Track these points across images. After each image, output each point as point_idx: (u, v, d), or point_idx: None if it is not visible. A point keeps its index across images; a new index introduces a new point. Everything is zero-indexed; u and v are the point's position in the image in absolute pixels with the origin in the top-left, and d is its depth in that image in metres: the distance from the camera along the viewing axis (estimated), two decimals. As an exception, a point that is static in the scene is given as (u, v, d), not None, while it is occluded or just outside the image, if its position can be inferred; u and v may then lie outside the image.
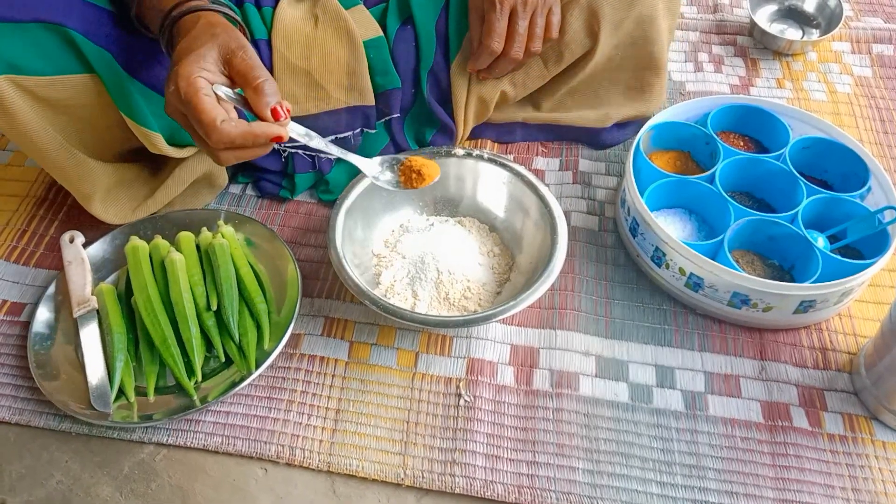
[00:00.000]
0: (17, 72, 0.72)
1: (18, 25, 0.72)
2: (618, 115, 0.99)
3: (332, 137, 0.93)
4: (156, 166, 0.93)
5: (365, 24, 0.90)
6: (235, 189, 0.99)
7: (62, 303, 0.85)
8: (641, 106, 0.99)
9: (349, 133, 0.93)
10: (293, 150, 0.93)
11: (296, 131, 0.69)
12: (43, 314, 0.84)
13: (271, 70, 0.88)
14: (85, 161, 0.82)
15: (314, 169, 0.95)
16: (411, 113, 0.98)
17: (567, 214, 0.94)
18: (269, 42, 0.87)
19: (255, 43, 0.87)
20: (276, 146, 0.92)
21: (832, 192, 0.86)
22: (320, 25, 0.87)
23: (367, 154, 0.97)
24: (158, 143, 0.83)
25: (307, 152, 0.94)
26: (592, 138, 1.01)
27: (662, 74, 0.97)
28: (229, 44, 0.66)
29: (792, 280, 0.83)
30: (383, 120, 0.96)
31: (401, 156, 0.79)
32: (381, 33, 0.90)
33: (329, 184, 0.96)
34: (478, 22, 0.89)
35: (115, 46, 0.77)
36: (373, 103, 0.92)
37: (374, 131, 0.95)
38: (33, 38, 0.72)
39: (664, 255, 0.82)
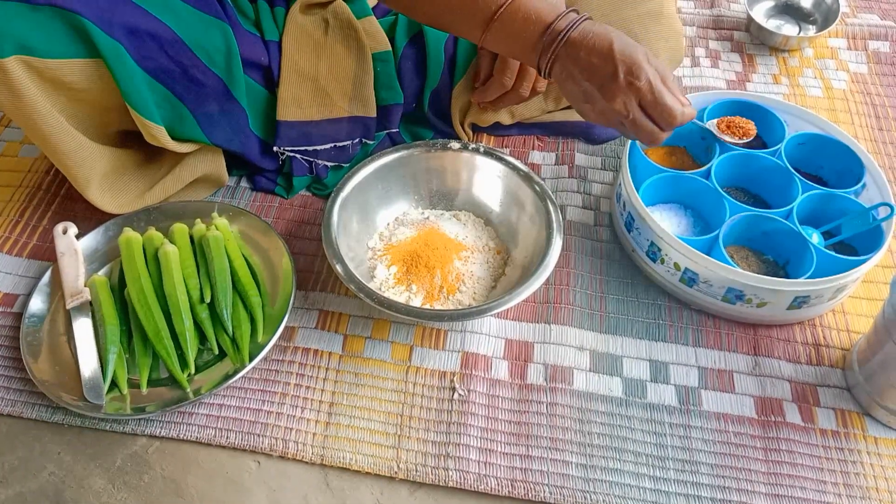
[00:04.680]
0: (28, 53, 0.72)
1: (33, 7, 0.72)
2: None
3: (332, 145, 0.93)
4: (153, 154, 0.92)
5: (375, 37, 0.90)
6: (230, 182, 0.98)
7: (55, 294, 0.85)
8: None
9: (348, 142, 0.94)
10: (292, 154, 0.93)
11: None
12: (36, 305, 0.83)
13: (279, 72, 0.87)
14: (84, 144, 0.82)
15: (311, 174, 0.95)
16: (409, 118, 0.98)
17: (562, 209, 0.94)
18: (279, 44, 0.87)
19: (265, 44, 0.87)
20: (276, 149, 0.92)
21: (827, 189, 0.86)
22: (330, 32, 0.87)
23: (365, 152, 0.97)
24: (160, 137, 0.82)
25: (305, 157, 0.94)
26: (586, 132, 1.01)
27: None
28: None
29: (786, 276, 0.84)
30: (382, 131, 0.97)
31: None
32: (390, 48, 0.90)
33: (328, 188, 0.96)
34: (487, 53, 0.90)
35: (127, 37, 0.76)
36: (374, 115, 0.92)
37: (372, 143, 0.95)
38: (46, 21, 0.72)
39: (659, 250, 0.82)
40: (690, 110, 0.74)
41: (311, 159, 0.94)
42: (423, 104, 0.95)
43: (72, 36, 0.74)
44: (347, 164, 0.96)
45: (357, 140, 0.94)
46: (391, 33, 0.92)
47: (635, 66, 0.71)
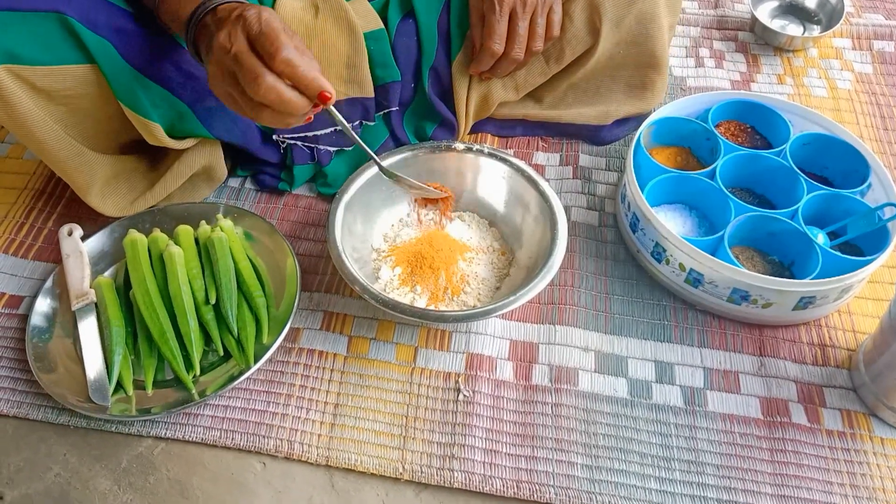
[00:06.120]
0: (16, 61, 0.72)
1: (17, 14, 0.71)
2: (618, 113, 0.99)
3: (332, 129, 0.93)
4: (154, 159, 0.93)
5: (365, 16, 0.90)
6: (234, 182, 0.99)
7: (60, 296, 0.85)
8: (642, 103, 0.99)
9: (348, 125, 0.93)
10: (292, 142, 0.93)
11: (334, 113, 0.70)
12: (41, 307, 0.84)
13: None
14: (83, 152, 0.82)
15: (313, 161, 0.95)
16: (411, 107, 0.98)
17: (567, 209, 0.94)
18: None
19: None
20: (276, 137, 0.91)
21: (832, 189, 0.86)
22: (320, 15, 0.87)
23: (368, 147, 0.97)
24: (158, 134, 0.82)
25: (306, 144, 0.93)
26: (592, 135, 1.01)
27: (664, 72, 0.97)
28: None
29: (792, 276, 0.83)
30: (382, 112, 0.96)
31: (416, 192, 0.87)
32: (382, 25, 0.90)
33: (328, 176, 0.96)
34: (478, 22, 0.89)
35: (115, 36, 0.76)
36: (372, 95, 0.92)
37: (372, 123, 0.95)
38: (32, 27, 0.72)
39: (664, 250, 0.82)
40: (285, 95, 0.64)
41: (313, 145, 0.94)
42: (423, 83, 0.94)
43: (60, 39, 0.74)
44: (349, 149, 0.96)
45: (357, 122, 0.94)
46: (384, 12, 0.92)
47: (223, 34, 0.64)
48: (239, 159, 0.98)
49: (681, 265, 0.81)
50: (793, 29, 1.18)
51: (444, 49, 0.93)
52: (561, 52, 0.93)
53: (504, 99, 0.97)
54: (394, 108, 0.95)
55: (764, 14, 1.19)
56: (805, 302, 0.78)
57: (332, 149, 0.95)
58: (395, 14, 0.91)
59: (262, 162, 0.96)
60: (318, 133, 0.93)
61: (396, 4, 0.92)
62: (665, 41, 0.94)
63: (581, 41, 0.91)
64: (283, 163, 0.96)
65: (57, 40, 0.73)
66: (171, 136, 0.85)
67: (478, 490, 0.73)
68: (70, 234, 0.89)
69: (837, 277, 0.76)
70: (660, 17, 0.91)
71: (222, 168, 0.94)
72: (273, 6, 0.88)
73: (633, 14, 0.89)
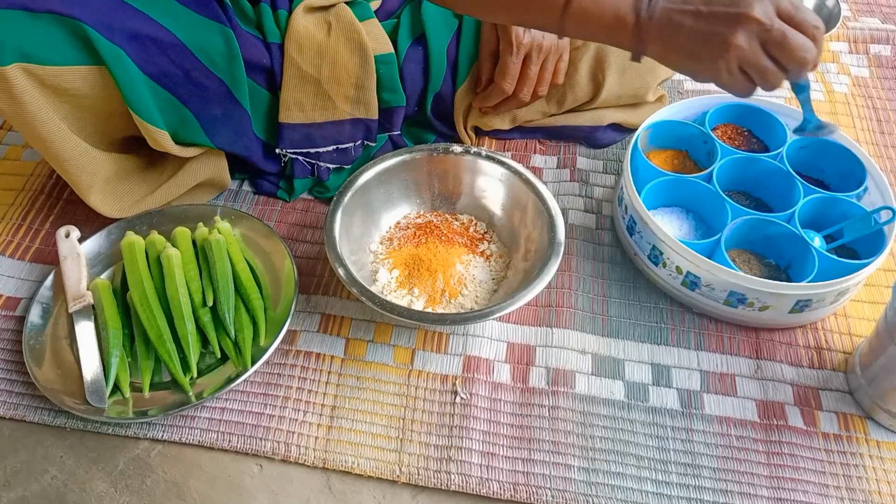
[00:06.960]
0: (28, 60, 0.72)
1: (32, 15, 0.72)
2: (613, 118, 1.00)
3: (334, 147, 0.93)
4: (156, 160, 0.92)
5: (377, 39, 0.90)
6: (232, 185, 0.99)
7: (57, 298, 0.85)
8: (637, 117, 1.00)
9: (350, 144, 0.94)
10: (294, 157, 0.93)
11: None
12: (38, 309, 0.84)
13: (281, 75, 0.88)
14: (86, 150, 0.82)
15: (312, 176, 0.95)
16: (412, 121, 0.99)
17: (564, 212, 0.94)
18: (281, 46, 0.87)
19: (267, 46, 0.87)
20: (278, 151, 0.92)
21: (829, 192, 0.86)
22: (333, 34, 0.87)
23: (367, 155, 0.97)
24: (164, 142, 0.83)
25: (308, 160, 0.94)
26: (589, 137, 1.01)
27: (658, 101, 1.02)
28: None
29: (788, 279, 0.84)
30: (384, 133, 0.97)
31: None
32: (393, 50, 0.90)
33: (329, 189, 0.96)
34: (488, 57, 0.91)
35: (129, 43, 0.76)
36: (376, 117, 0.92)
37: (374, 144, 0.96)
38: (47, 28, 0.72)
39: (661, 253, 0.82)
40: (818, 48, 0.62)
41: (314, 161, 0.94)
42: (426, 107, 0.95)
43: (73, 42, 0.74)
44: (349, 166, 0.96)
45: (359, 142, 0.94)
46: (394, 36, 0.92)
47: None
48: (238, 167, 0.98)
49: (678, 268, 0.81)
50: (790, 32, 1.19)
51: (451, 77, 0.94)
52: (563, 98, 0.97)
53: (499, 127, 1.00)
54: (395, 132, 0.96)
55: (761, 17, 1.19)
56: (801, 305, 0.78)
57: (331, 166, 0.95)
58: (405, 39, 0.91)
59: (262, 171, 0.96)
60: (321, 150, 0.93)
61: (407, 28, 0.92)
62: (659, 84, 1.00)
63: (584, 90, 0.96)
64: (282, 172, 0.96)
65: (69, 43, 0.74)
66: (177, 143, 0.85)
67: (475, 493, 0.73)
68: (67, 235, 0.89)
69: (834, 281, 0.76)
70: (658, 70, 0.95)
71: (227, 179, 0.95)
72: (287, 21, 0.88)
73: (635, 68, 0.93)
